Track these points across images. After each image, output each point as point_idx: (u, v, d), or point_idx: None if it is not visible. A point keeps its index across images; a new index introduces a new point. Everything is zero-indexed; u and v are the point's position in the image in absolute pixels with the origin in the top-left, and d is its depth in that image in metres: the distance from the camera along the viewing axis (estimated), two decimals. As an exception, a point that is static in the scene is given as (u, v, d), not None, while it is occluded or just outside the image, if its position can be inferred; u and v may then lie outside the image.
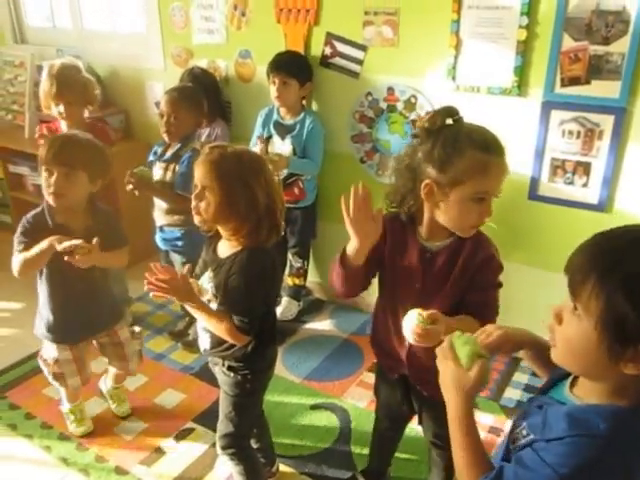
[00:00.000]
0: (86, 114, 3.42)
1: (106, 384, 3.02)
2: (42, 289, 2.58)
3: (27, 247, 2.41)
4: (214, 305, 2.04)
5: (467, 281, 1.85)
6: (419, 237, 1.90)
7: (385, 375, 2.23)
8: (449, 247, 1.87)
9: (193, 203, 1.98)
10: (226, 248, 2.05)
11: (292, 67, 3.43)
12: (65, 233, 2.40)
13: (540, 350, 1.44)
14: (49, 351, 2.68)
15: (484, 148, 1.72)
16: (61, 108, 3.24)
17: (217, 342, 2.10)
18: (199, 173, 1.96)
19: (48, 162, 2.38)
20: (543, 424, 1.20)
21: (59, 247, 2.32)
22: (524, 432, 1.25)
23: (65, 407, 2.89)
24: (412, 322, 1.68)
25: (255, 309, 2.01)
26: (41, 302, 2.61)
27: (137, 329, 2.92)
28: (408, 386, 2.14)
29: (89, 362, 2.82)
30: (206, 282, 2.07)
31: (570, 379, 1.28)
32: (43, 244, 2.36)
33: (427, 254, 1.89)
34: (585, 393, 1.21)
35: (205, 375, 3.20)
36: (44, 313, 2.61)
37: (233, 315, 1.98)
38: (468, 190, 1.72)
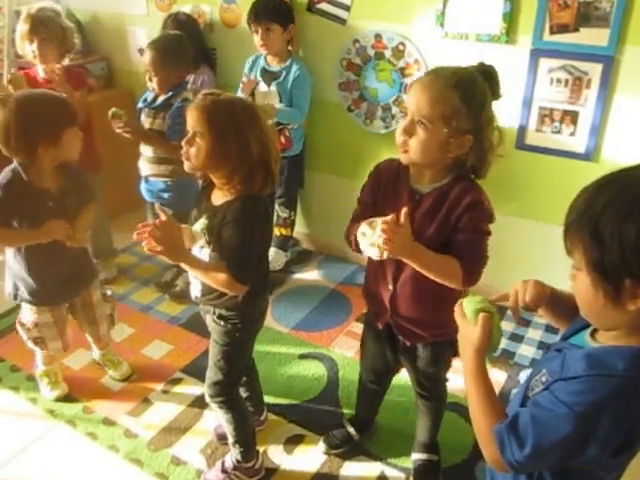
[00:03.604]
0: (66, 62, 3.31)
1: (95, 353, 2.99)
2: (16, 256, 2.48)
3: (4, 222, 2.34)
4: (207, 251, 2.03)
5: (452, 225, 1.84)
6: (411, 180, 1.92)
7: (372, 326, 2.24)
8: (437, 190, 1.87)
9: (183, 148, 1.95)
10: (219, 196, 2.03)
11: (272, 12, 3.36)
12: (44, 197, 2.36)
13: (556, 299, 1.46)
14: (27, 315, 2.62)
15: (427, 71, 1.88)
16: (34, 46, 3.10)
17: (208, 290, 2.08)
18: (190, 118, 1.92)
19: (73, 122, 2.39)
20: (562, 366, 1.22)
21: (69, 242, 2.39)
22: (543, 379, 1.26)
23: (39, 369, 2.85)
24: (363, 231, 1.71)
25: (250, 258, 2.00)
26: (16, 268, 2.51)
27: (109, 292, 2.84)
28: (393, 337, 2.17)
29: (68, 327, 2.75)
30: (199, 229, 2.05)
31: (591, 327, 1.29)
32: (39, 235, 2.36)
33: (416, 196, 1.89)
34: (606, 339, 1.23)
35: (193, 326, 3.23)
36: (23, 278, 2.51)
37: (228, 265, 1.95)
38: None
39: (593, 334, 1.28)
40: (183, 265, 1.97)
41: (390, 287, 2.03)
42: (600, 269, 1.11)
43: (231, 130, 1.89)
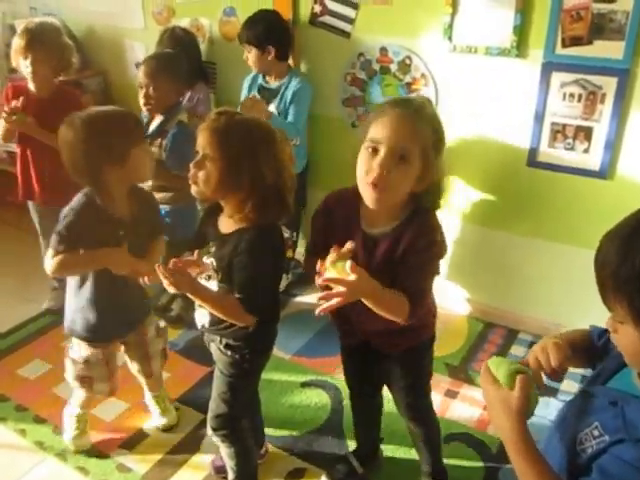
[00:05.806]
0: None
1: (147, 397, 2.79)
2: (81, 288, 2.33)
3: (71, 248, 2.18)
4: (214, 281, 1.94)
5: (401, 261, 1.79)
6: (363, 224, 1.83)
7: (346, 345, 2.25)
8: (391, 234, 1.79)
9: (191, 171, 1.85)
10: (229, 223, 1.93)
11: (249, 34, 3.29)
12: (115, 225, 2.23)
13: (576, 351, 1.34)
14: (78, 351, 2.45)
15: (390, 102, 1.79)
16: (28, 62, 2.99)
17: (217, 319, 1.99)
18: (201, 140, 1.83)
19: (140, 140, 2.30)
20: (624, 423, 1.09)
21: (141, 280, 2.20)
22: (595, 432, 1.14)
23: (73, 410, 2.62)
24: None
25: (262, 290, 1.92)
26: (78, 302, 2.36)
27: (162, 324, 2.70)
28: (368, 351, 2.12)
29: (117, 370, 2.57)
30: (205, 257, 1.96)
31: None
32: (98, 260, 2.21)
33: (369, 242, 1.82)
34: None
35: (190, 352, 3.12)
36: (84, 312, 2.36)
37: (239, 297, 1.87)
38: (367, 137, 1.72)
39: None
40: (190, 296, 1.88)
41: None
42: None
43: (245, 155, 1.80)
